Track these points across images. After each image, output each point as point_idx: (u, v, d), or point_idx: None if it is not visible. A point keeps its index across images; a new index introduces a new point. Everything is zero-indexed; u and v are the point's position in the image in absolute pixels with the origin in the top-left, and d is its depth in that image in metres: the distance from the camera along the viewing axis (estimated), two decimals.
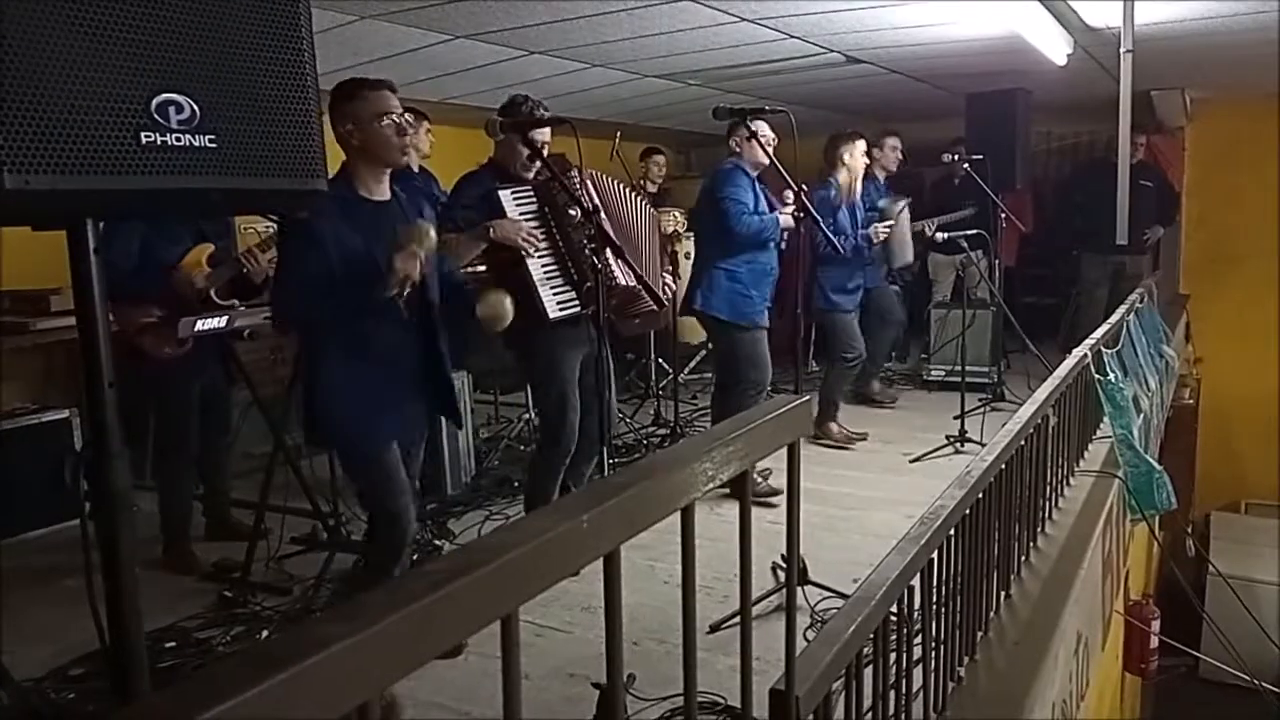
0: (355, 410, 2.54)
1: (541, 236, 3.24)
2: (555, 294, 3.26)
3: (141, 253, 3.36)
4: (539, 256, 3.22)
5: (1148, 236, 6.80)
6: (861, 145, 4.96)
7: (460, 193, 3.33)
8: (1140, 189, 6.21)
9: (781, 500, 1.50)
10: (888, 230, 4.97)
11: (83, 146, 1.10)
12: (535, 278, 3.20)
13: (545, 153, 3.24)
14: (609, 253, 3.04)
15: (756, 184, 4.16)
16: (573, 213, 3.21)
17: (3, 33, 1.03)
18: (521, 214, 3.23)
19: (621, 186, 3.67)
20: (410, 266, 2.42)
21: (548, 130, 3.27)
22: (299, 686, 0.60)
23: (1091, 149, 8.45)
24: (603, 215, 3.26)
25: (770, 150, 3.91)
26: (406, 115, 2.55)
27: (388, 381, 2.58)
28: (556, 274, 3.27)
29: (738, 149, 4.11)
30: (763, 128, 3.98)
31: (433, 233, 2.52)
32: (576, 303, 3.27)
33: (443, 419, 3.26)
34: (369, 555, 2.88)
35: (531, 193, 3.26)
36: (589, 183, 3.40)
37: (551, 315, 3.22)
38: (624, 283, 3.32)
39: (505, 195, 3.22)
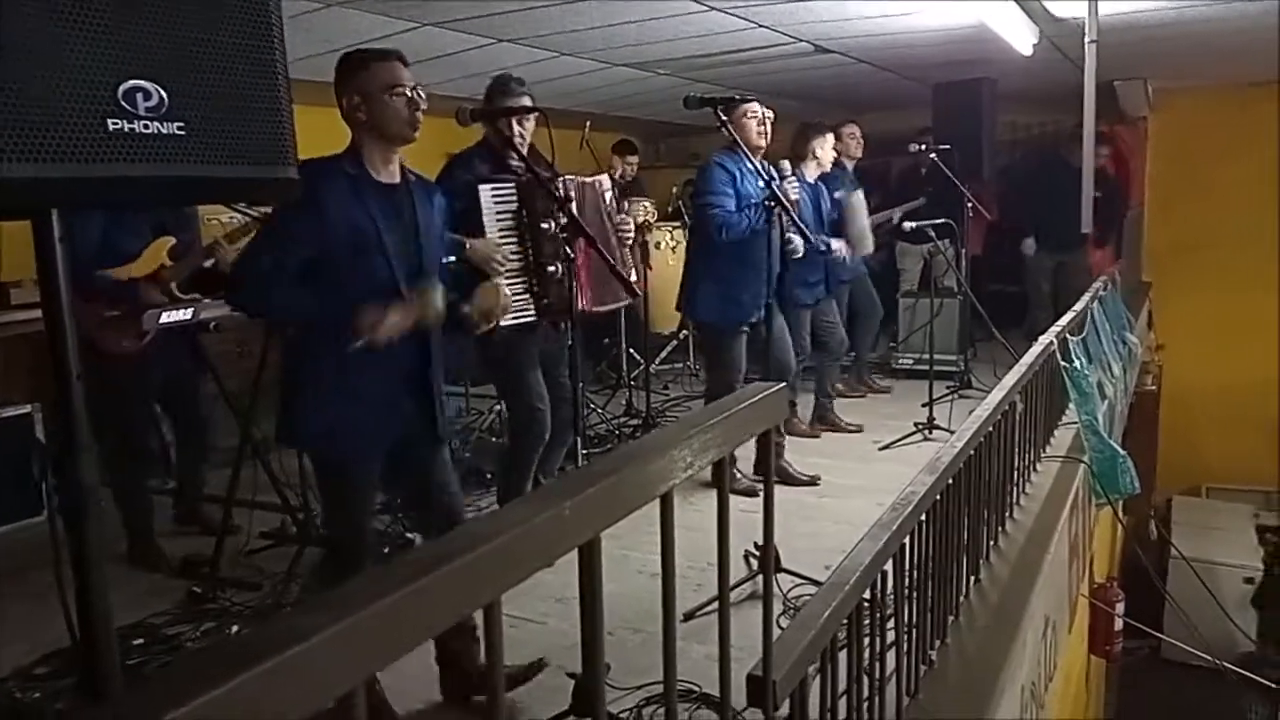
0: (337, 415, 2.36)
1: (514, 250, 3.22)
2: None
3: (101, 245, 3.27)
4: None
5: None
6: (831, 138, 4.95)
7: (450, 176, 3.26)
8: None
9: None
10: (843, 254, 4.98)
11: (49, 135, 1.07)
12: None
13: (527, 141, 3.20)
14: (581, 241, 3.03)
15: (746, 166, 3.92)
16: (545, 226, 3.18)
17: None
18: (498, 212, 3.21)
19: (591, 182, 3.63)
20: (392, 329, 2.26)
21: (531, 120, 3.23)
22: (279, 678, 0.60)
23: (1056, 139, 8.56)
24: (573, 208, 3.23)
25: (759, 130, 3.88)
26: (419, 90, 2.36)
27: (377, 385, 2.38)
28: (519, 285, 3.23)
29: (731, 134, 3.97)
30: (753, 106, 3.87)
31: (439, 302, 2.35)
32: (531, 313, 3.25)
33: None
34: (323, 570, 2.74)
35: (513, 189, 3.22)
36: (562, 181, 3.37)
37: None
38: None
39: (485, 192, 3.18)
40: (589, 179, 3.61)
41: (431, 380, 2.52)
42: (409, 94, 2.32)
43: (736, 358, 4.18)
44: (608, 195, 3.61)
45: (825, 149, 4.87)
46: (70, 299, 1.22)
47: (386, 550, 3.50)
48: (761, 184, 3.66)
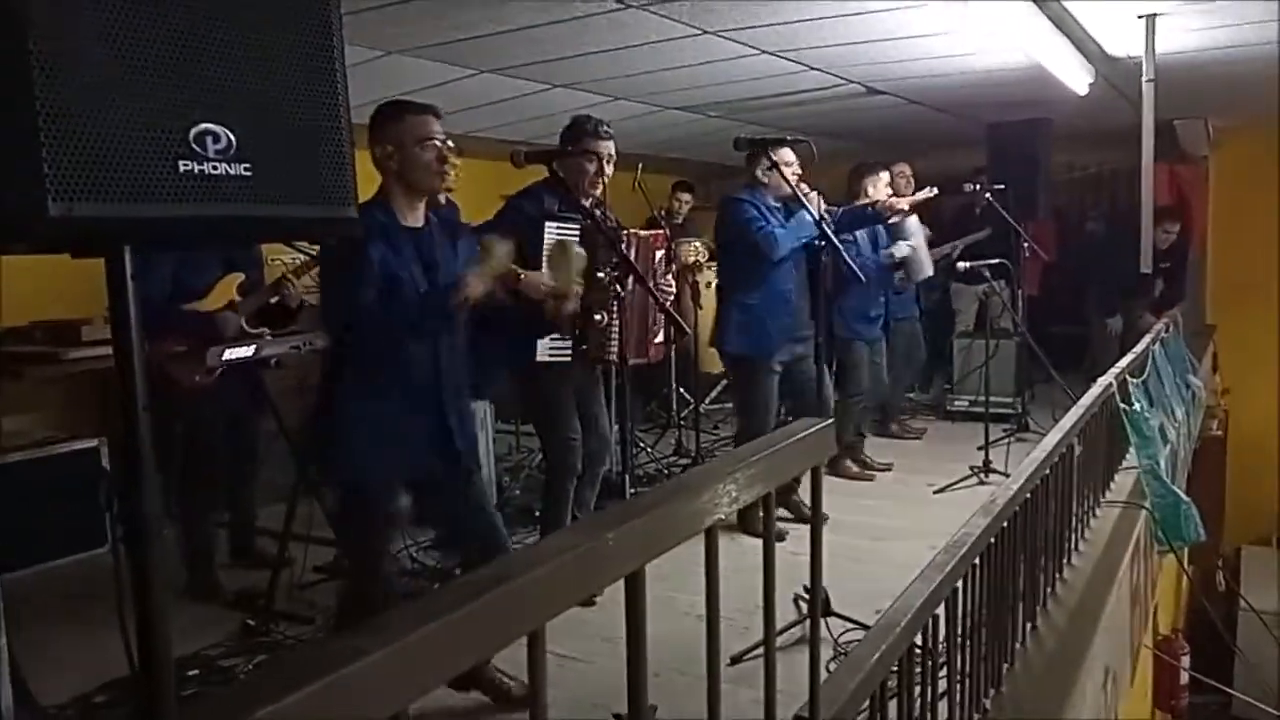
0: (364, 448, 2.46)
1: None
2: (551, 341, 3.28)
3: (174, 282, 3.41)
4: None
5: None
6: (885, 176, 5.01)
7: (516, 209, 3.35)
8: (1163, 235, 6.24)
9: (804, 530, 1.50)
10: (908, 250, 4.97)
11: (124, 175, 1.13)
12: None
13: (604, 183, 3.32)
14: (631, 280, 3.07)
15: (765, 204, 4.04)
16: (600, 274, 3.22)
17: (48, 65, 1.07)
18: None
19: (648, 238, 3.69)
20: (477, 287, 2.38)
21: (610, 146, 3.33)
22: (329, 698, 0.61)
23: (1114, 180, 8.44)
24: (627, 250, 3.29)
25: (794, 178, 3.89)
26: (449, 142, 2.50)
27: (405, 418, 2.49)
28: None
29: (764, 179, 4.01)
30: (786, 154, 3.88)
31: (500, 250, 2.45)
32: (568, 354, 3.30)
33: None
34: (342, 604, 2.86)
35: (578, 230, 3.27)
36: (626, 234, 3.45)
37: (537, 358, 3.26)
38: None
39: (550, 229, 3.25)
40: (647, 233, 3.66)
41: (445, 405, 2.58)
42: (440, 147, 2.45)
43: (765, 395, 4.12)
44: (658, 255, 3.65)
45: (878, 187, 4.93)
46: (140, 332, 1.26)
47: (436, 587, 3.52)
48: (793, 223, 3.88)
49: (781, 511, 3.91)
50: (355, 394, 2.47)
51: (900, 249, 4.96)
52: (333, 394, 2.52)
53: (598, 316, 3.25)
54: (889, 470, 5.15)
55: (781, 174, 3.71)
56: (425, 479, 2.61)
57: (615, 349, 3.36)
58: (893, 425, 5.97)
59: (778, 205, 4.09)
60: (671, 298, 3.76)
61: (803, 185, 3.80)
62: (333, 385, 2.54)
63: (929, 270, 5.21)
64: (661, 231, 3.83)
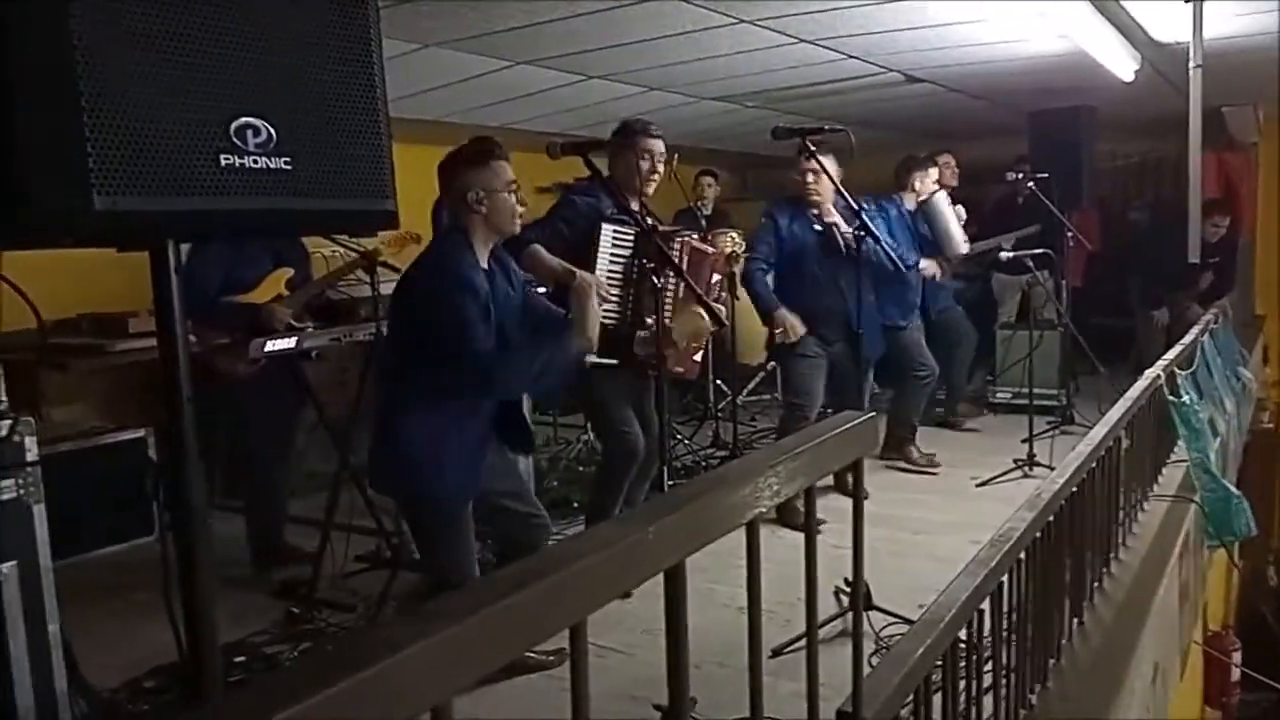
0: (437, 466, 2.54)
1: (615, 294, 3.29)
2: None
3: (225, 275, 3.49)
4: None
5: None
6: (934, 173, 5.02)
7: (571, 204, 3.37)
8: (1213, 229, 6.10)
9: (845, 523, 1.48)
10: (940, 267, 5.02)
11: (167, 169, 1.14)
12: None
13: (655, 184, 3.39)
14: (672, 276, 3.06)
15: (798, 219, 4.20)
16: (651, 282, 3.21)
17: (92, 61, 1.08)
18: (611, 256, 3.30)
19: (704, 250, 3.70)
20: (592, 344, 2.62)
21: (660, 145, 3.37)
22: (370, 688, 0.61)
23: (1159, 169, 8.26)
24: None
25: (819, 183, 4.03)
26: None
27: (473, 436, 2.60)
28: (610, 328, 3.28)
29: (820, 165, 3.93)
30: (826, 162, 3.84)
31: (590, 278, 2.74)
32: (614, 361, 3.30)
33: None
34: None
35: (633, 236, 3.27)
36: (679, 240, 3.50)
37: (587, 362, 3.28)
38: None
39: (607, 231, 3.27)
40: (702, 245, 3.68)
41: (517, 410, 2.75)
42: (516, 190, 2.56)
43: (808, 385, 4.22)
44: (710, 269, 3.66)
45: (926, 182, 4.97)
46: (184, 324, 1.28)
47: None
48: (818, 227, 4.09)
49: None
50: (429, 422, 2.55)
51: (927, 268, 5.02)
52: (408, 416, 2.59)
53: (641, 332, 3.26)
54: (936, 465, 5.09)
55: (801, 183, 3.99)
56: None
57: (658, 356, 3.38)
58: (959, 407, 5.92)
59: (798, 212, 4.22)
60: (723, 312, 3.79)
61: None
62: (403, 408, 2.60)
63: (962, 247, 5.13)
64: (718, 253, 3.87)
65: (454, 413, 2.56)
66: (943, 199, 5.00)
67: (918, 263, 4.89)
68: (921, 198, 4.95)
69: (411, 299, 2.61)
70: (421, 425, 2.56)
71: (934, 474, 4.97)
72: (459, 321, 2.45)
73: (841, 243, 4.09)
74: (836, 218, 4.15)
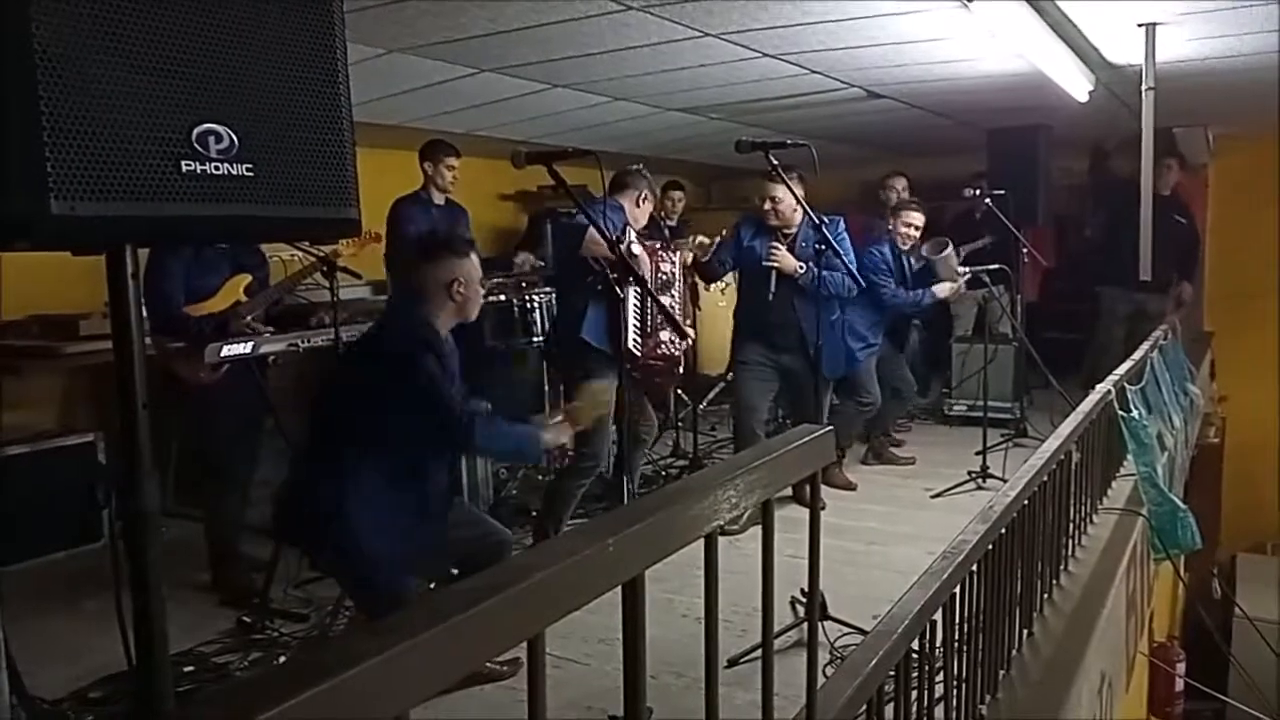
0: (387, 548, 2.52)
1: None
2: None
3: (185, 281, 3.46)
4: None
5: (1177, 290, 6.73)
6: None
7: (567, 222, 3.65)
8: (1174, 224, 6.18)
9: (801, 533, 1.50)
10: (956, 290, 5.15)
11: (126, 174, 1.13)
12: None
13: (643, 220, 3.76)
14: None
15: (760, 235, 4.34)
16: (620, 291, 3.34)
17: (52, 65, 1.07)
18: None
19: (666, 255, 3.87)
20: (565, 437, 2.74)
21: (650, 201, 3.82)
22: (330, 701, 0.61)
23: (1111, 187, 8.44)
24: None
25: (778, 207, 4.20)
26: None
27: (425, 515, 2.65)
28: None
29: (780, 177, 4.00)
30: (775, 191, 4.13)
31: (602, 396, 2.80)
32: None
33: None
34: None
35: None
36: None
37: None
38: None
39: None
40: (663, 250, 3.86)
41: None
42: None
43: (745, 393, 4.44)
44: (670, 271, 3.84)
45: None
46: (140, 330, 1.26)
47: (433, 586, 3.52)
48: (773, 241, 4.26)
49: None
50: (373, 499, 2.55)
51: (943, 289, 5.07)
52: (356, 489, 2.56)
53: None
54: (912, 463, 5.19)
55: (760, 208, 4.22)
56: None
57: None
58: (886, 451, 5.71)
59: (760, 227, 4.36)
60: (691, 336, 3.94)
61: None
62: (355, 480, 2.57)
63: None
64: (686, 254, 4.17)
65: (399, 491, 2.58)
66: (953, 258, 5.15)
67: (931, 294, 5.03)
68: (924, 250, 5.09)
69: (378, 361, 2.66)
70: (368, 507, 2.52)
71: (872, 485, 5.04)
72: (432, 383, 2.55)
73: (795, 264, 4.19)
74: (795, 234, 4.26)
